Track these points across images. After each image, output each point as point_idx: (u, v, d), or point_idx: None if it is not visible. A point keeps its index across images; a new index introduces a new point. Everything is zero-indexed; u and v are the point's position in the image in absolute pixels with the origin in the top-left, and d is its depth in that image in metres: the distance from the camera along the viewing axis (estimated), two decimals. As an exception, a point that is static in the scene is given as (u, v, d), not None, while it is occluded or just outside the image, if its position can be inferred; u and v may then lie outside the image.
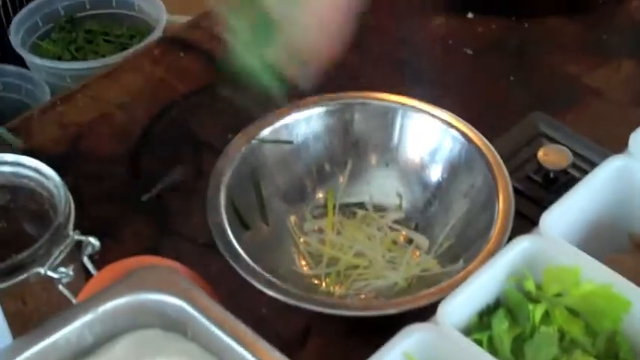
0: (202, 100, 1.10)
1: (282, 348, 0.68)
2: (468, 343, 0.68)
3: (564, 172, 0.95)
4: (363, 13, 1.20)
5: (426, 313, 0.72)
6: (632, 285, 0.71)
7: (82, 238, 0.82)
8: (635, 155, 0.81)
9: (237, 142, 0.92)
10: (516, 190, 0.91)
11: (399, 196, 0.94)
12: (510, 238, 0.77)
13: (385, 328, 0.71)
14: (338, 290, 0.86)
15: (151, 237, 0.95)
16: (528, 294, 0.73)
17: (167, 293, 0.69)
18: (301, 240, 0.91)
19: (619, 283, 0.71)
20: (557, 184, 0.96)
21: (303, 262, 0.90)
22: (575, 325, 0.71)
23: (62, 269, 0.80)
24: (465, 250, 0.86)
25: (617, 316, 0.71)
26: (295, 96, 0.94)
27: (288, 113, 0.94)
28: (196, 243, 0.93)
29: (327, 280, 0.88)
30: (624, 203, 0.81)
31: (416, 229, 0.92)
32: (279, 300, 0.79)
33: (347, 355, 0.83)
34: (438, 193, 0.92)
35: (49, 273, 0.80)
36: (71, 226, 0.83)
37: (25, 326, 0.80)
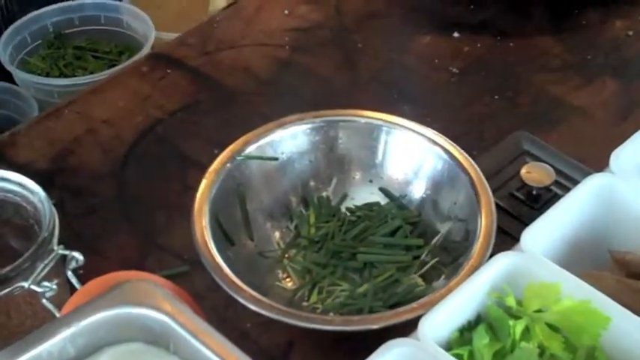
0: (188, 116, 1.10)
1: (266, 362, 0.69)
2: (448, 358, 0.69)
3: (547, 189, 0.96)
4: (351, 34, 1.22)
5: (407, 329, 0.73)
6: (611, 301, 0.72)
7: (67, 252, 0.83)
8: (616, 173, 0.82)
9: (222, 158, 0.92)
10: (499, 207, 0.92)
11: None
12: (492, 255, 0.77)
13: (367, 343, 0.71)
14: (321, 305, 0.87)
15: (136, 252, 0.95)
16: (509, 310, 0.73)
17: (150, 307, 0.69)
18: (285, 255, 0.91)
19: (598, 299, 0.72)
20: (540, 202, 0.96)
21: (287, 278, 0.90)
22: (555, 341, 0.72)
23: (46, 283, 0.80)
24: (447, 266, 0.87)
25: (596, 331, 0.71)
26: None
27: (274, 130, 0.94)
28: (181, 258, 0.93)
29: (311, 295, 0.88)
30: (605, 220, 0.82)
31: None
32: (262, 315, 0.80)
33: (330, 370, 0.84)
34: (421, 210, 0.93)
35: (33, 287, 0.80)
36: (55, 240, 0.83)
37: (10, 340, 0.80)
